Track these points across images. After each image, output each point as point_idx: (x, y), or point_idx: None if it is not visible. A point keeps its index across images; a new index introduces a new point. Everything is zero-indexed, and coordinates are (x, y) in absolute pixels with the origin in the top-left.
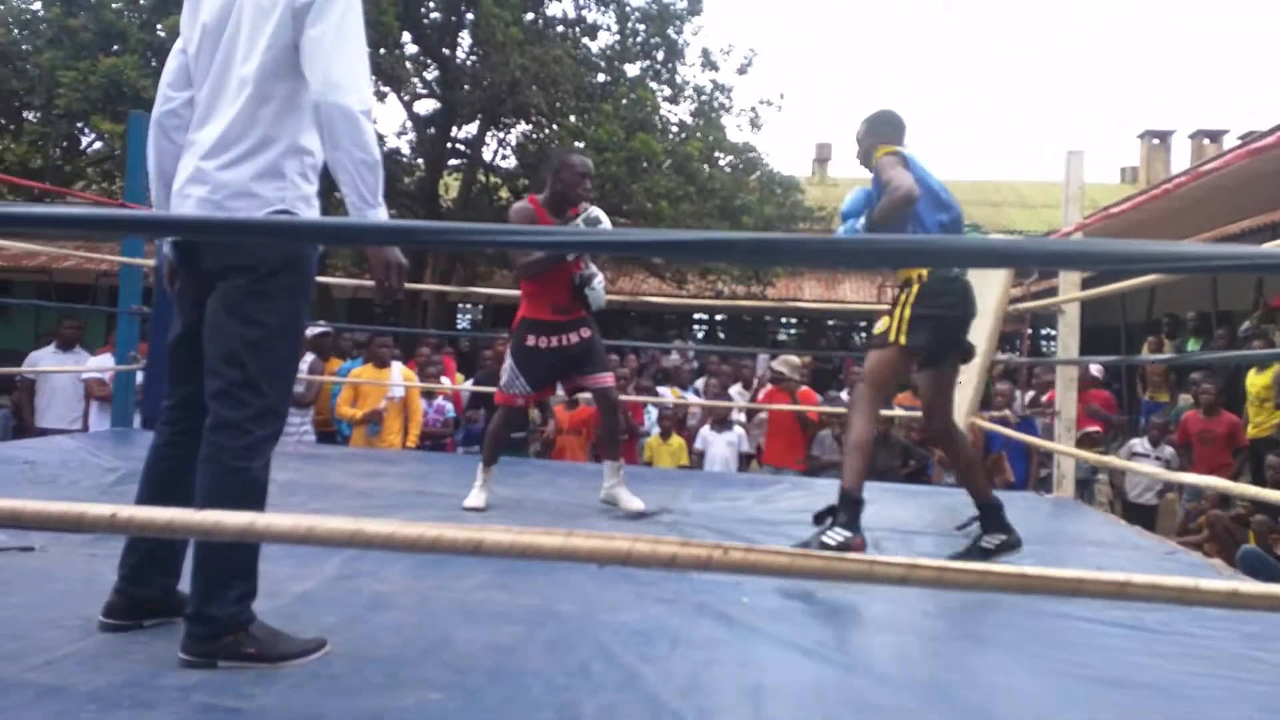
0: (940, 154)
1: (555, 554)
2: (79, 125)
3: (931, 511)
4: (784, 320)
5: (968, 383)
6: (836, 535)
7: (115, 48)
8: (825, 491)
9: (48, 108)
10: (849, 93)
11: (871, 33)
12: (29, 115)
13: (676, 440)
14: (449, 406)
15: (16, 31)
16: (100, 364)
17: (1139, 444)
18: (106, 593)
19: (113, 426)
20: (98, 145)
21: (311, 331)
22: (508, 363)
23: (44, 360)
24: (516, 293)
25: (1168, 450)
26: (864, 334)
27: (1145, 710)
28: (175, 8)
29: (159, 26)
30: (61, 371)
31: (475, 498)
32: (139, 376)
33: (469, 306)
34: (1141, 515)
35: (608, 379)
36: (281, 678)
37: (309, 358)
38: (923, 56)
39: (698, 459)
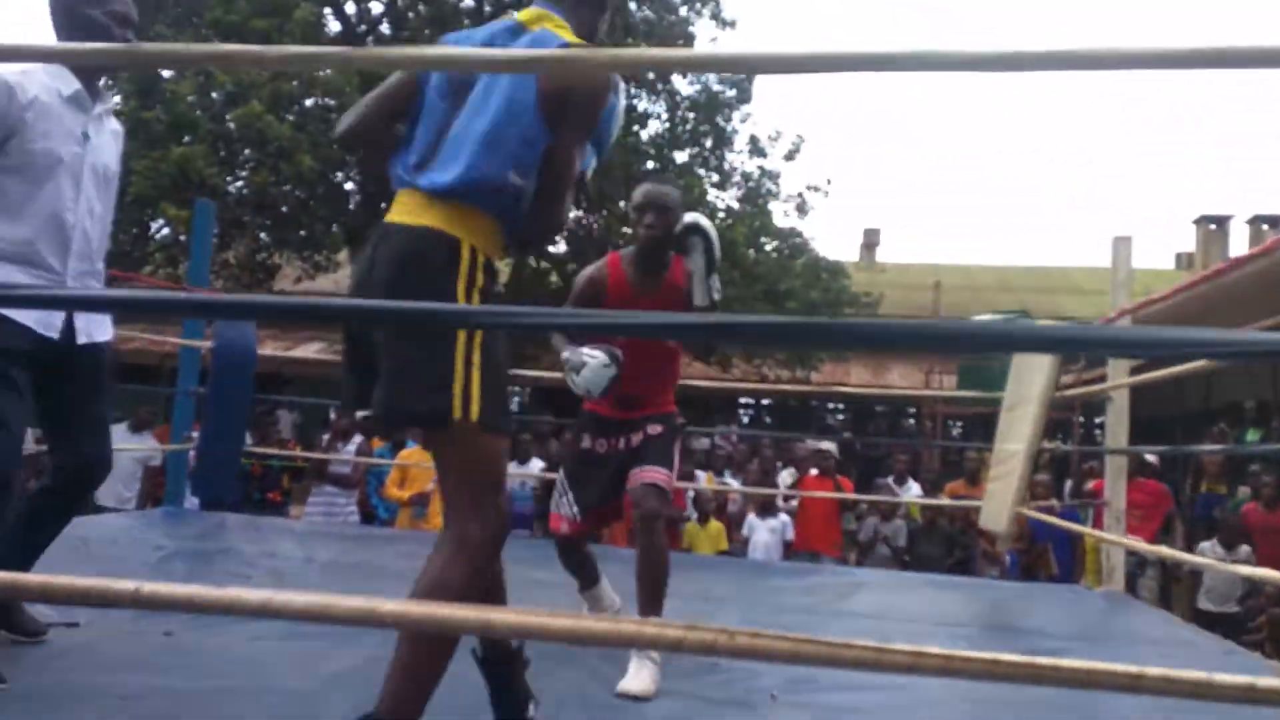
0: (992, 238)
1: (565, 635)
2: (148, 211)
3: (976, 604)
4: (830, 406)
5: (1012, 472)
6: None
7: (186, 138)
8: (870, 580)
9: (121, 194)
10: (897, 178)
11: (921, 118)
12: None
13: (715, 525)
14: None
15: None
16: (154, 445)
17: (1209, 547)
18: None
19: (165, 505)
20: (165, 231)
21: (363, 414)
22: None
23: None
24: (553, 374)
25: (1244, 550)
26: (912, 420)
27: None
28: (244, 100)
29: (228, 118)
30: (118, 451)
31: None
32: (191, 456)
33: (516, 389)
34: (1223, 628)
35: (656, 474)
36: None
37: (357, 439)
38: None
39: (742, 546)
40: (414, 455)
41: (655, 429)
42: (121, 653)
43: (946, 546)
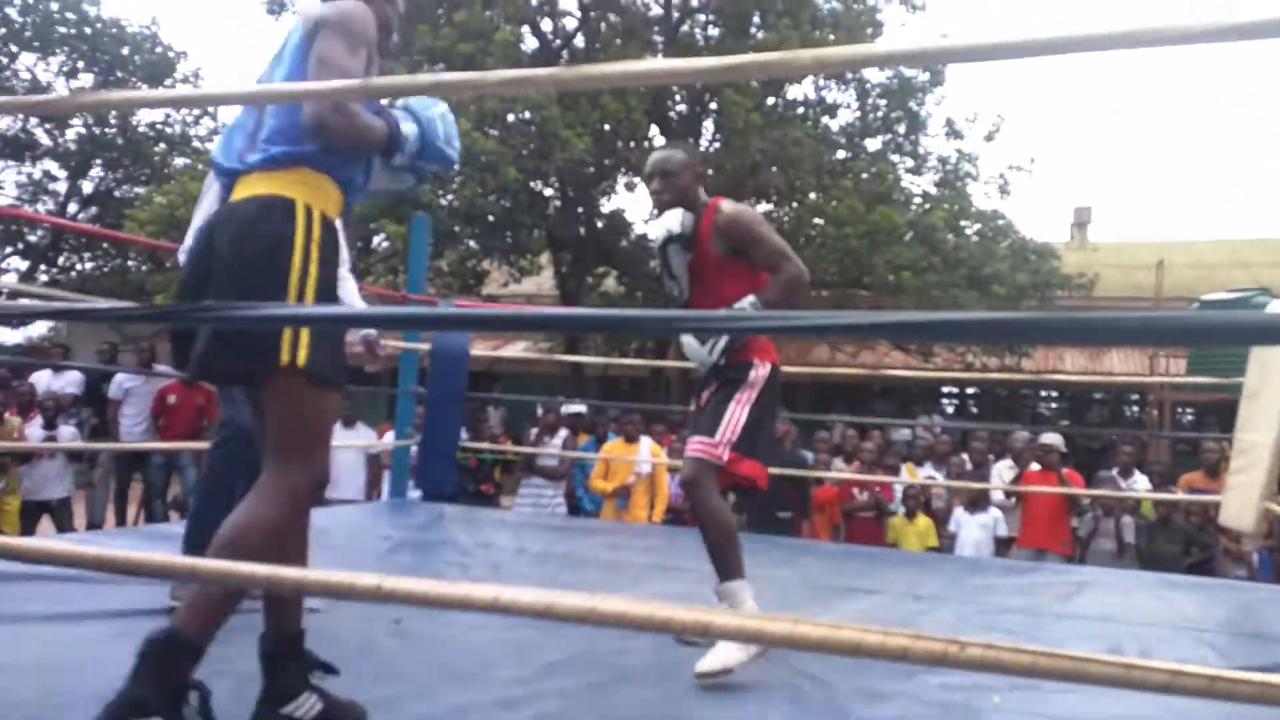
0: (1220, 210)
1: (783, 640)
2: (370, 227)
3: (1220, 607)
4: (1043, 394)
5: (1258, 465)
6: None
7: None
8: (1095, 579)
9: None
10: (1110, 153)
11: (1133, 87)
12: None
13: (923, 520)
14: None
15: None
16: (385, 440)
17: None
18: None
19: (390, 498)
20: (385, 245)
21: (567, 409)
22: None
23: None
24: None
25: None
26: (1136, 408)
27: None
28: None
29: None
30: (347, 447)
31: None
32: (414, 451)
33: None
34: None
35: (694, 446)
36: None
37: (563, 433)
38: (1193, 109)
39: (949, 541)
40: (616, 449)
41: (711, 389)
42: (356, 636)
43: (1183, 544)
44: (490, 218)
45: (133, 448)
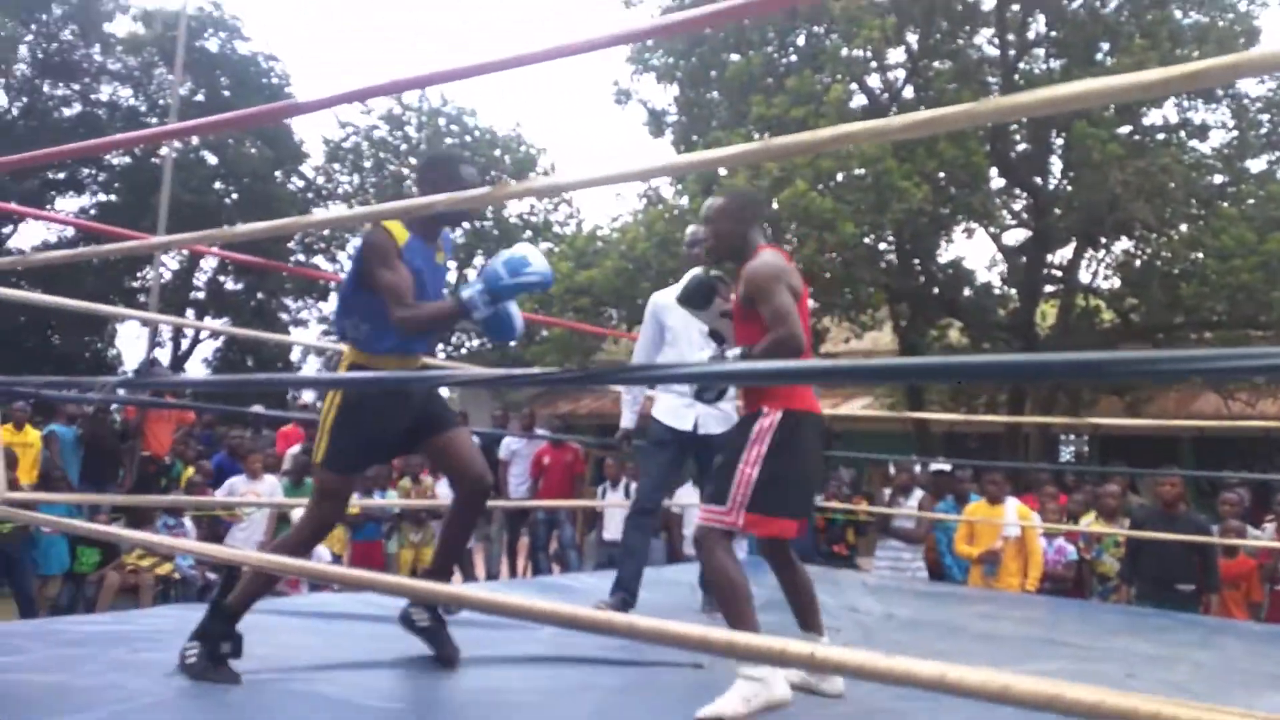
0: None
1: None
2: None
3: None
4: None
5: None
6: None
7: None
8: None
9: None
10: None
11: None
12: None
13: None
14: (1070, 549)
15: None
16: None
17: None
18: None
19: (748, 555)
20: None
21: (934, 467)
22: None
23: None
24: (1129, 421)
25: None
26: None
27: None
28: (789, 183)
29: (774, 201)
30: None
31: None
32: None
33: (1072, 438)
34: None
35: (703, 514)
36: None
37: (918, 493)
38: None
39: None
40: (980, 510)
41: (718, 459)
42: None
43: None
44: (828, 275)
45: (520, 504)
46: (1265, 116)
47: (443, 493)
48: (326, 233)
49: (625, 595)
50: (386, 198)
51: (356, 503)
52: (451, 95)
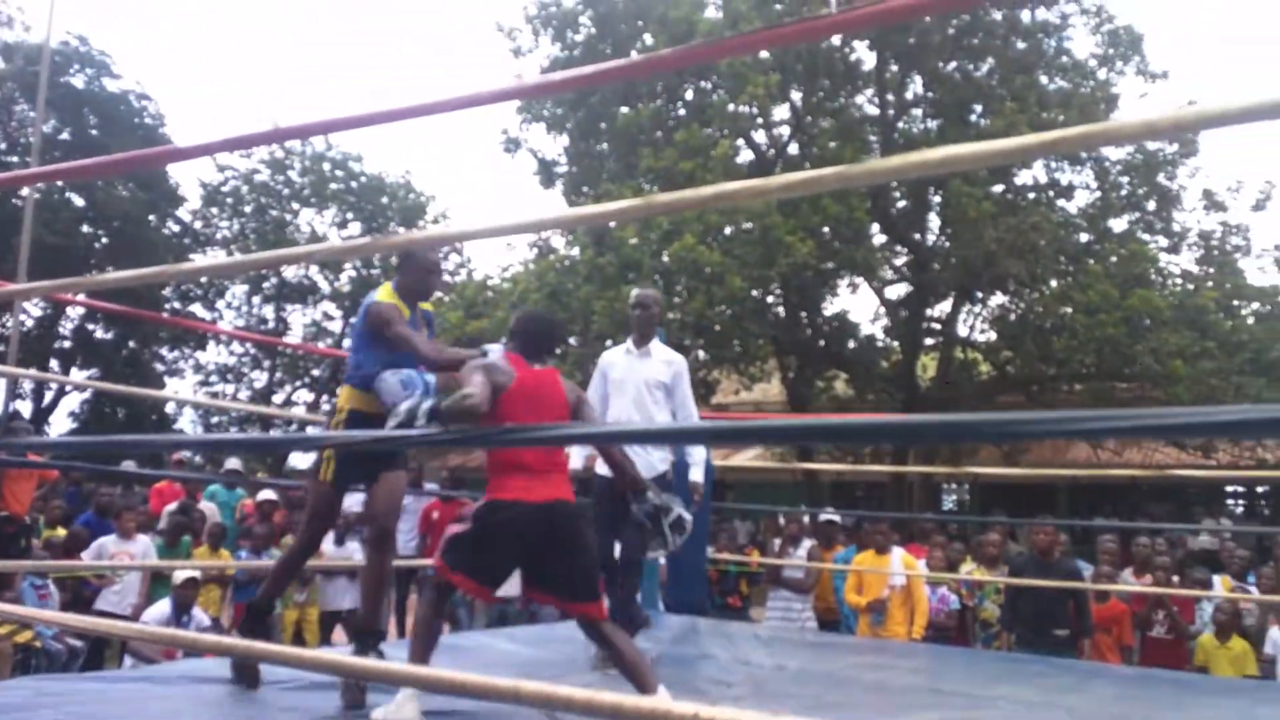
0: None
1: None
2: (607, 343)
3: None
4: None
5: None
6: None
7: (631, 276)
8: None
9: (585, 332)
10: None
11: None
12: (572, 340)
13: (1239, 644)
14: (953, 597)
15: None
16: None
17: None
18: None
19: (645, 609)
20: None
21: (823, 518)
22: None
23: None
24: (1008, 471)
25: None
26: None
27: None
28: (678, 236)
29: (664, 254)
30: None
31: None
32: (661, 560)
33: (954, 486)
34: None
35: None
36: None
37: (807, 543)
38: None
39: (1266, 666)
40: (867, 560)
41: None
42: None
43: None
44: (717, 328)
45: (410, 564)
46: (1125, 179)
47: (328, 550)
48: (204, 280)
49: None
50: (268, 245)
51: (240, 563)
52: (337, 140)
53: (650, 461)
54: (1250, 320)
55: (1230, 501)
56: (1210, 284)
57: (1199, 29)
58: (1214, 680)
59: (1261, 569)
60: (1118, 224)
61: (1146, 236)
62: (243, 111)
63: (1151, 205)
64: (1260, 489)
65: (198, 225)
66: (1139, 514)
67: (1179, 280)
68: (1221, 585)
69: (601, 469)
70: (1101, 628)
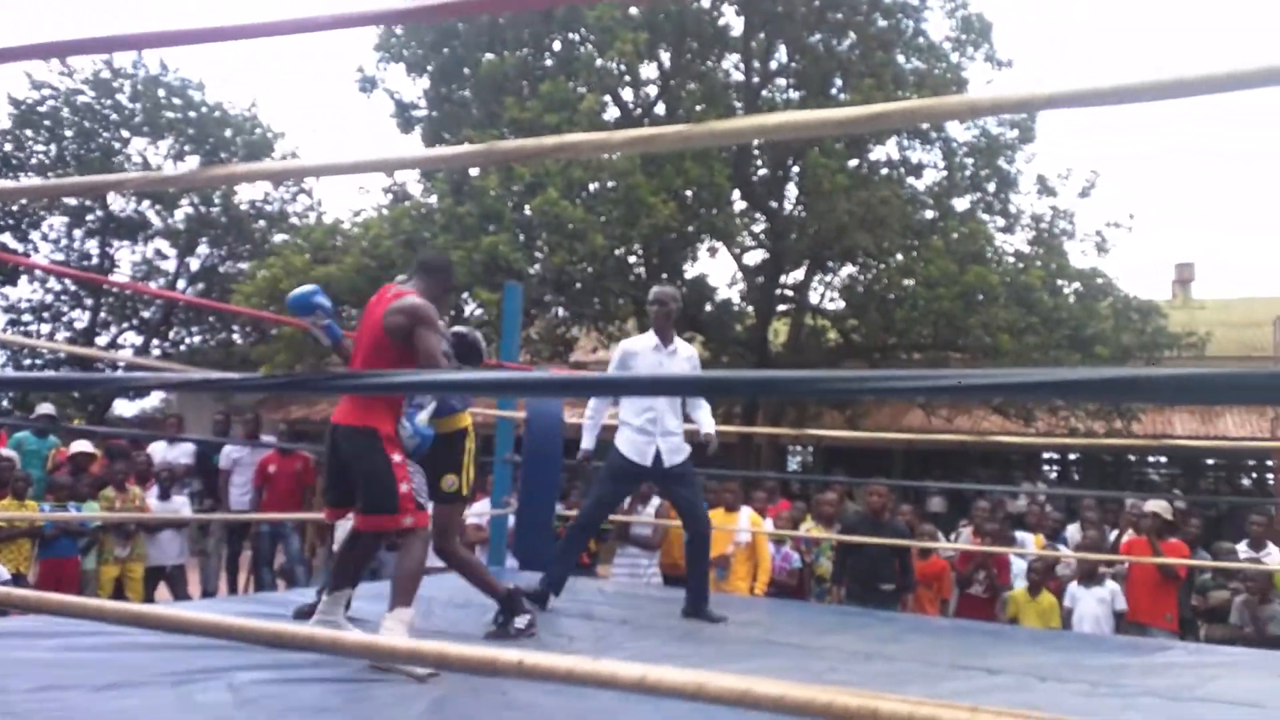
0: None
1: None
2: (464, 295)
3: None
4: (1151, 460)
5: None
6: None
7: (492, 228)
8: (1237, 661)
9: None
10: (1214, 206)
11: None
12: None
13: (1048, 598)
14: (795, 555)
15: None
16: (478, 510)
17: None
18: None
19: (489, 566)
20: (479, 312)
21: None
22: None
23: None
24: (851, 434)
25: None
26: (1253, 475)
27: None
28: (541, 190)
29: (527, 207)
30: None
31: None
32: (511, 520)
33: (799, 448)
34: None
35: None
36: None
37: (655, 501)
38: None
39: (1064, 616)
40: (715, 518)
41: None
42: (467, 707)
43: None
44: (578, 285)
45: (244, 518)
46: (970, 160)
47: (152, 504)
48: (15, 207)
49: (548, 589)
50: (93, 171)
51: (45, 515)
52: (175, 63)
53: (682, 443)
54: (1071, 299)
55: (1046, 467)
56: (1039, 264)
57: (1043, 22)
58: (1021, 630)
59: (1066, 530)
60: (960, 203)
61: (986, 216)
62: (65, 19)
63: (992, 187)
64: (1072, 456)
65: (8, 147)
66: (966, 477)
67: (1011, 259)
68: (1034, 544)
69: (620, 442)
70: (924, 583)
